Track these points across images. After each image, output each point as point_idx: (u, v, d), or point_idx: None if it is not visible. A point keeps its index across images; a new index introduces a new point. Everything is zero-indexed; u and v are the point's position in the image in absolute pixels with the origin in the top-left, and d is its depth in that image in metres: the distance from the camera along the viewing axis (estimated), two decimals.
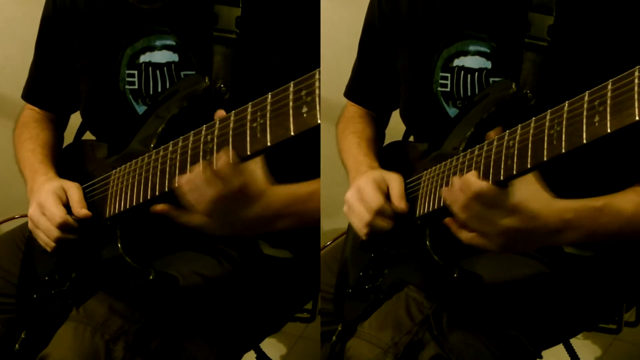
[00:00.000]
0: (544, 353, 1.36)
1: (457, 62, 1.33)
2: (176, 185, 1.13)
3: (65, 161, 1.44)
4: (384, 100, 1.56)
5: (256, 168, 1.11)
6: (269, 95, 1.01)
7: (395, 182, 1.34)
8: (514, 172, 1.09)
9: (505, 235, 1.13)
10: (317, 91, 0.95)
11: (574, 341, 1.62)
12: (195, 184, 1.11)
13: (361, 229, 1.33)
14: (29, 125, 1.52)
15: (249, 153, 1.02)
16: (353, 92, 1.61)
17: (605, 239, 1.20)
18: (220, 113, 1.11)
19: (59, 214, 1.27)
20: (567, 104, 1.00)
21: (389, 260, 1.35)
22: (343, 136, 1.57)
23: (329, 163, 1.52)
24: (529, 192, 1.11)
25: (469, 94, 1.32)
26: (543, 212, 1.12)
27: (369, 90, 1.57)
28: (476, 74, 1.31)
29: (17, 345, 1.33)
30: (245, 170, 1.09)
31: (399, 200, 1.32)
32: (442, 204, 1.24)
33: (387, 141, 1.57)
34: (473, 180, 1.13)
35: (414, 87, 1.41)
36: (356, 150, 1.50)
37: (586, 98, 0.97)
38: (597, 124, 0.95)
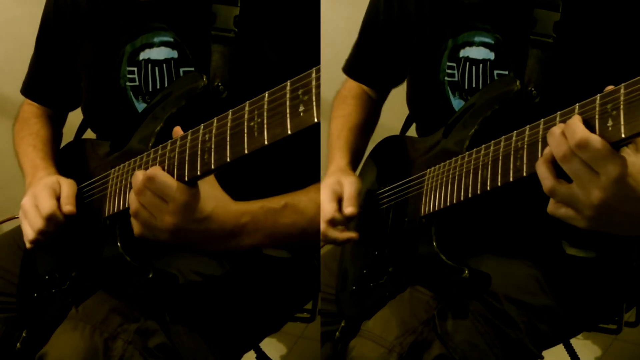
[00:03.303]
0: (544, 353, 1.35)
1: (463, 52, 1.33)
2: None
3: (66, 159, 1.45)
4: (384, 77, 1.57)
5: (202, 185, 1.11)
6: (266, 94, 1.01)
7: (348, 185, 1.35)
8: (524, 174, 1.07)
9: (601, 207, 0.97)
10: (314, 90, 0.95)
11: (574, 341, 1.62)
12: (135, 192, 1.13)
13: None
14: (29, 120, 1.52)
15: (246, 152, 1.02)
16: (353, 68, 1.61)
17: None
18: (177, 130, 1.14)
19: (49, 205, 1.27)
20: (577, 107, 0.97)
21: (393, 259, 1.34)
22: (338, 108, 1.59)
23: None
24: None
25: (474, 85, 1.32)
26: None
27: (369, 68, 1.57)
28: (480, 65, 1.31)
29: (18, 344, 1.33)
30: (184, 188, 1.10)
31: (347, 205, 1.33)
32: (447, 203, 1.24)
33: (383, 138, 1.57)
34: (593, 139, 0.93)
35: (421, 74, 1.42)
36: (343, 135, 1.53)
37: (598, 101, 0.94)
38: (610, 129, 0.93)
